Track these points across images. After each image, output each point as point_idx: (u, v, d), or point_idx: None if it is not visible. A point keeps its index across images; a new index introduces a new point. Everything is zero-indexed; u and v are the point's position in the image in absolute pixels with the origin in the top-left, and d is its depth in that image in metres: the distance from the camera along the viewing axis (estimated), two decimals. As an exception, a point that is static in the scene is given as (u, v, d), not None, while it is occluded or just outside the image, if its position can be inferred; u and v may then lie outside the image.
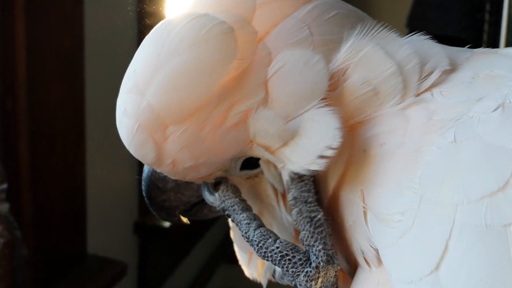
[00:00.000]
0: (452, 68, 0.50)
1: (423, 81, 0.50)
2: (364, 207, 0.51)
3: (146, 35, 0.53)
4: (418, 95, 0.50)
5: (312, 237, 0.52)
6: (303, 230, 0.52)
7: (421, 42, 0.52)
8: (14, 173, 1.25)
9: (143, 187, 0.61)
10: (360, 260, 0.53)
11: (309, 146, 0.50)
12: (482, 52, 0.53)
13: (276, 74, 0.51)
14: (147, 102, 0.50)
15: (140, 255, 1.93)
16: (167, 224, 1.95)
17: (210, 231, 2.53)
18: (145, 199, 0.62)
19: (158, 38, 0.51)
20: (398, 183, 0.47)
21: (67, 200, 1.42)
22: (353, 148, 0.51)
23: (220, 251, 2.65)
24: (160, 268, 2.04)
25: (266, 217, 0.59)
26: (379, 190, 0.49)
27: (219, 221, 2.16)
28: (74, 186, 1.44)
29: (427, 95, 0.49)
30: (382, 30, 0.53)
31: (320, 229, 0.52)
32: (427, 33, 0.55)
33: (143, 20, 1.35)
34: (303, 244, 0.53)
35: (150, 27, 0.54)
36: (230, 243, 0.69)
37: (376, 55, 0.51)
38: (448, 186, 0.44)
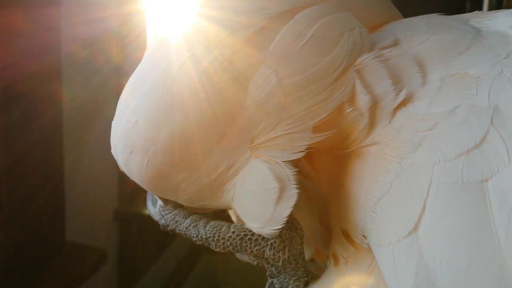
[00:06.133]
0: (423, 80, 0.48)
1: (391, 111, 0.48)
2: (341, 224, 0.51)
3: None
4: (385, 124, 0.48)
5: None
6: None
7: (400, 56, 0.49)
8: (-10, 159, 1.24)
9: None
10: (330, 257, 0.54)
11: None
12: (484, 42, 0.49)
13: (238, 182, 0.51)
14: (154, 154, 0.50)
15: (121, 243, 1.92)
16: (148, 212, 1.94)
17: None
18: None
19: (160, 85, 0.50)
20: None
21: (45, 186, 1.41)
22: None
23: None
24: (141, 257, 2.03)
25: None
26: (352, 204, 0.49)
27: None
28: (51, 172, 1.42)
29: (393, 123, 0.48)
30: (368, 55, 0.48)
31: None
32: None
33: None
34: None
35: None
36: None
37: (357, 90, 0.48)
38: (424, 147, 0.44)
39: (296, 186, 0.48)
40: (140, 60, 0.54)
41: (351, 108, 0.48)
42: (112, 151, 0.55)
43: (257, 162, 0.49)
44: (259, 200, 0.49)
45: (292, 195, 0.48)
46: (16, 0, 1.21)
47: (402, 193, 0.44)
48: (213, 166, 0.50)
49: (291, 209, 0.48)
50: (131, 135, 0.50)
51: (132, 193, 1.91)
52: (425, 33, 0.50)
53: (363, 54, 0.48)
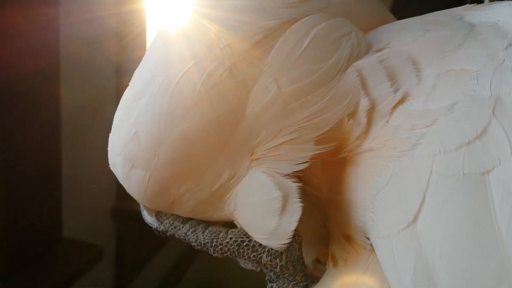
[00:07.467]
0: (419, 77, 0.48)
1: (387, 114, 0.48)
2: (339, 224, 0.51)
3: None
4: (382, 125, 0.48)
5: None
6: None
7: (394, 55, 0.49)
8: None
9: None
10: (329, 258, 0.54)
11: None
12: (479, 38, 0.49)
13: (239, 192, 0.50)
14: (157, 167, 0.49)
15: (118, 240, 1.93)
16: (145, 210, 1.94)
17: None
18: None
19: (161, 95, 0.48)
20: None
21: (43, 183, 1.41)
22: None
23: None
24: (138, 254, 2.03)
25: None
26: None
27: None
28: (50, 170, 1.43)
29: (390, 122, 0.47)
30: (366, 59, 0.48)
31: None
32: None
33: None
34: None
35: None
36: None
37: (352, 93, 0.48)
38: (424, 139, 0.43)
39: (299, 200, 0.47)
40: (140, 59, 0.53)
41: (352, 120, 0.48)
42: (111, 167, 0.54)
43: (257, 173, 0.48)
44: (262, 211, 0.48)
45: (296, 209, 0.47)
46: (15, -1, 1.21)
47: (401, 185, 0.44)
48: (215, 175, 0.49)
49: (296, 223, 0.47)
50: (131, 147, 0.49)
51: (129, 191, 1.91)
52: (418, 31, 0.50)
53: (361, 57, 0.49)
